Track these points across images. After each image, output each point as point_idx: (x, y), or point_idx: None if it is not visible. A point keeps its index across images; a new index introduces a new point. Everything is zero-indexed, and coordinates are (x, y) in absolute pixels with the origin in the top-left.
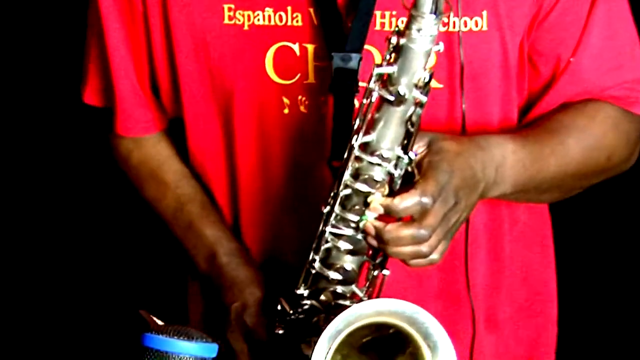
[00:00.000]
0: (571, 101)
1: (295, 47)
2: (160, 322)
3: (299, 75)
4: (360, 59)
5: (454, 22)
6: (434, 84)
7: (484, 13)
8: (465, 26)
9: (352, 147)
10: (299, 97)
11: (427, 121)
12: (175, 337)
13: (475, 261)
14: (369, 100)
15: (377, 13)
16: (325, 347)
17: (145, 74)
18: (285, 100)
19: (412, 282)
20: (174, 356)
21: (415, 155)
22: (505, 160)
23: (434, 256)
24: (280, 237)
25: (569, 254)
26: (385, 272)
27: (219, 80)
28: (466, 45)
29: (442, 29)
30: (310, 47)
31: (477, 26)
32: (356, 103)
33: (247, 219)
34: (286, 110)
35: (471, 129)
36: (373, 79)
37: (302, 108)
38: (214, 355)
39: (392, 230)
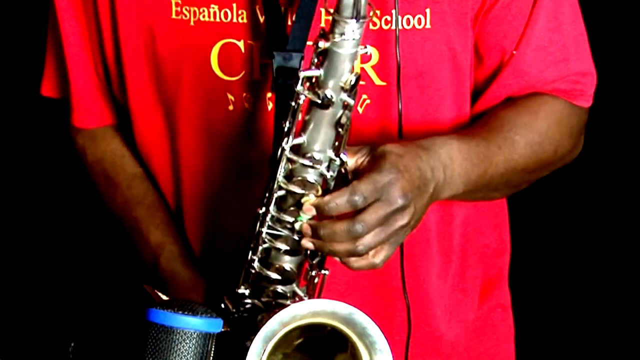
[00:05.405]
0: (515, 95)
1: (241, 44)
2: (164, 297)
3: (243, 72)
4: (302, 58)
5: (395, 20)
6: (377, 81)
7: (427, 11)
8: (408, 24)
9: (283, 149)
10: (244, 94)
11: (372, 118)
12: (180, 311)
13: (429, 261)
14: (296, 103)
15: (323, 10)
16: (259, 349)
17: (99, 64)
18: (230, 97)
19: (349, 279)
20: (178, 331)
21: (347, 157)
22: (453, 160)
23: (375, 260)
24: (222, 233)
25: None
26: (325, 271)
27: (165, 74)
28: (410, 43)
29: (385, 27)
30: (256, 45)
31: (420, 24)
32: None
33: (190, 212)
34: (231, 107)
35: (420, 127)
36: (300, 81)
37: (246, 105)
38: (219, 330)
39: (327, 225)
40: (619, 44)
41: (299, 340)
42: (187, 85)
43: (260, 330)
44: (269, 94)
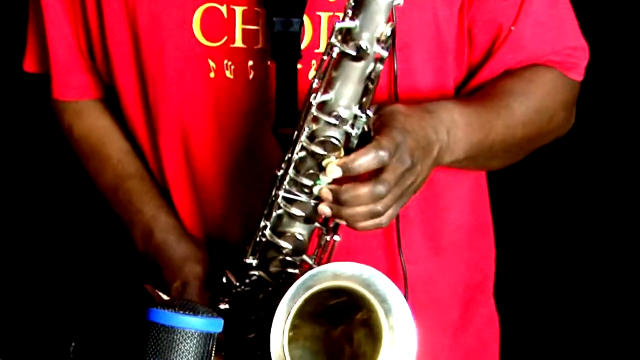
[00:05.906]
0: (512, 68)
1: (223, 9)
2: (165, 297)
3: (225, 37)
4: (302, 24)
5: None
6: None
7: None
8: None
9: (310, 106)
10: (225, 62)
11: None
12: (181, 311)
13: (411, 235)
14: (329, 56)
15: None
16: (284, 312)
17: (82, 38)
18: (212, 64)
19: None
20: (179, 331)
21: (371, 114)
22: (455, 123)
23: (382, 219)
24: (207, 204)
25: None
26: (336, 237)
27: (148, 42)
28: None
29: None
30: (238, 9)
31: None
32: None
33: (175, 185)
34: (212, 74)
35: (400, 98)
36: (334, 34)
37: (227, 73)
38: (220, 330)
39: (349, 188)
40: (614, 43)
41: (317, 309)
42: (168, 51)
43: (287, 293)
44: (250, 62)
